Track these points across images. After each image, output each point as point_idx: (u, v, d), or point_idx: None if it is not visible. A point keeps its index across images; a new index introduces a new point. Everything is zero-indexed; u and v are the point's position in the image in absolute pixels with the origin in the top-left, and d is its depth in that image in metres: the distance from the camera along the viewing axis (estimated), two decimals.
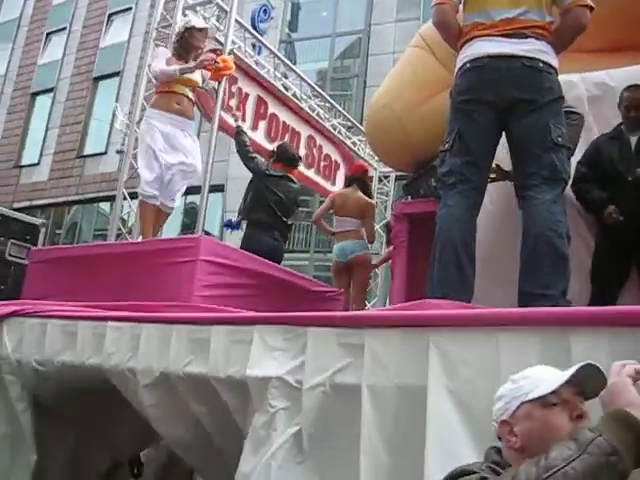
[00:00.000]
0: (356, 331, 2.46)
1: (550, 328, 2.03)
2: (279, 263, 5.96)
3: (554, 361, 1.99)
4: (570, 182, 3.32)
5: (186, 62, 5.47)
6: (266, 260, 4.82)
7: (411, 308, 2.54)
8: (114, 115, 18.95)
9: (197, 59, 5.47)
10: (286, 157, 6.32)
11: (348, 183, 7.00)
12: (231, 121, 6.88)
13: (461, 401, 2.11)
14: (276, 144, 7.08)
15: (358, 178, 6.92)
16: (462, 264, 2.97)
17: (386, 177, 11.23)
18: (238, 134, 6.17)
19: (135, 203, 7.21)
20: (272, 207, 5.91)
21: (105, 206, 20.93)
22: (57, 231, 21.73)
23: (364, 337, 2.42)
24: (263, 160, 6.14)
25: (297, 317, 2.77)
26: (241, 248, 5.79)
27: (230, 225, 6.69)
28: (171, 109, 5.36)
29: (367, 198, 6.87)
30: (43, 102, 24.21)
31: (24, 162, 23.73)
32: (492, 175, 3.65)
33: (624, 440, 1.25)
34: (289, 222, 6.14)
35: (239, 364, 2.78)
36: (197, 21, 5.95)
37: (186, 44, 5.52)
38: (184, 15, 7.16)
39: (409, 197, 5.87)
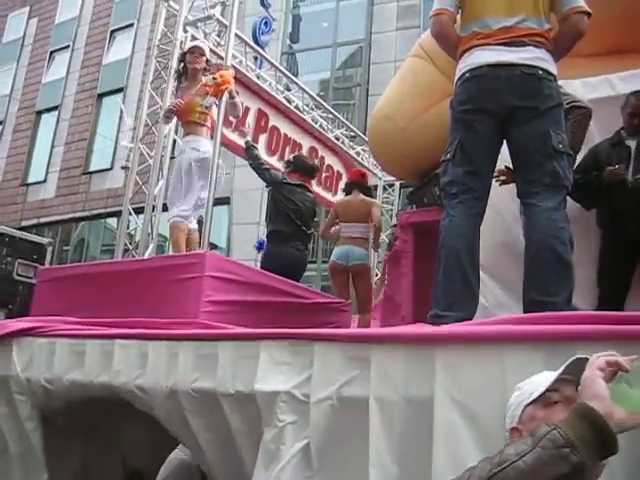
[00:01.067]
0: (362, 345, 2.46)
1: (554, 341, 2.03)
2: (302, 273, 6.01)
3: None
4: None
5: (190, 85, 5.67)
6: (272, 274, 4.83)
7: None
8: (119, 131, 19.09)
9: (194, 75, 5.66)
10: (304, 167, 6.38)
11: (348, 190, 6.88)
12: (233, 137, 6.92)
13: (468, 412, 2.11)
14: (292, 155, 7.12)
15: (358, 183, 6.85)
16: (466, 273, 2.97)
17: (391, 186, 11.25)
18: (249, 149, 6.21)
19: (140, 218, 7.25)
20: (291, 217, 5.95)
21: (112, 221, 21.02)
22: (65, 247, 21.82)
23: (370, 350, 2.42)
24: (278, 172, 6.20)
25: (303, 334, 2.78)
26: (263, 262, 5.86)
27: (261, 247, 6.73)
28: None
29: (370, 198, 6.79)
30: (48, 120, 24.39)
31: (30, 180, 23.90)
32: (502, 177, 3.67)
33: (583, 434, 1.23)
34: (309, 232, 6.18)
35: (247, 379, 2.79)
36: (187, 45, 6.20)
37: (185, 70, 5.75)
38: (184, 31, 7.22)
39: (413, 206, 5.88)
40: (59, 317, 4.23)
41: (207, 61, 5.77)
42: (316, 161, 9.58)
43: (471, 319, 2.90)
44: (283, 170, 6.55)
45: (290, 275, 5.10)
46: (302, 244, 6.10)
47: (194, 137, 5.46)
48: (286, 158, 7.07)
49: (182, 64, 5.78)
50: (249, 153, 6.13)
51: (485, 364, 2.13)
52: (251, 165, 6.12)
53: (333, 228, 6.89)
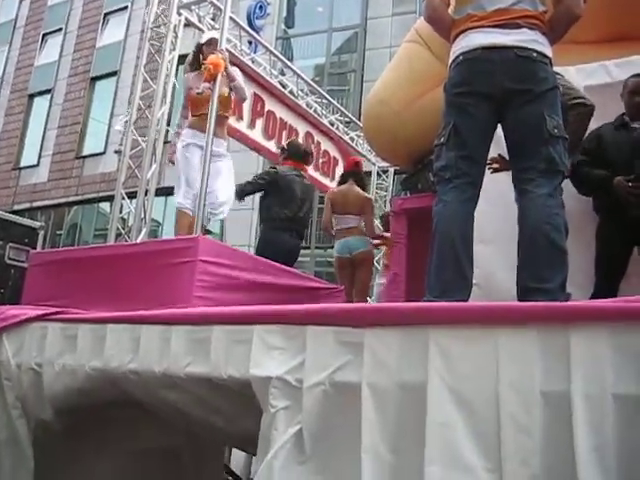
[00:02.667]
0: (355, 329, 2.45)
1: (549, 324, 2.03)
2: (295, 260, 6.03)
3: (554, 356, 2.00)
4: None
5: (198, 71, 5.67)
6: (265, 259, 4.82)
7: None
8: (112, 115, 19.00)
9: None
10: (298, 154, 6.38)
11: (344, 179, 6.87)
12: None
13: (461, 397, 2.12)
14: (286, 141, 7.10)
15: (353, 172, 6.84)
16: (460, 260, 2.95)
17: (385, 172, 11.24)
18: (240, 192, 6.14)
19: (133, 203, 7.23)
20: (286, 204, 5.98)
21: (105, 206, 20.93)
22: (58, 232, 21.76)
23: (363, 335, 2.42)
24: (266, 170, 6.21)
25: (295, 311, 2.77)
26: (259, 248, 5.87)
27: None
28: None
29: (365, 193, 6.81)
30: (41, 103, 24.24)
31: (23, 164, 23.77)
32: (494, 165, 3.64)
33: None
34: (303, 219, 6.21)
35: (240, 364, 2.78)
36: (204, 36, 6.08)
37: (198, 61, 5.71)
38: (179, 14, 7.18)
39: (407, 192, 5.87)
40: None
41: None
42: (312, 146, 9.56)
43: None
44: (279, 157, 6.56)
45: (284, 262, 5.10)
46: (297, 232, 6.14)
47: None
48: (282, 143, 7.02)
49: (198, 54, 5.75)
50: (240, 194, 6.11)
51: (478, 347, 2.13)
52: (245, 195, 6.14)
53: (330, 230, 6.85)
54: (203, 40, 5.81)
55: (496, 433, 2.02)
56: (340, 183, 6.88)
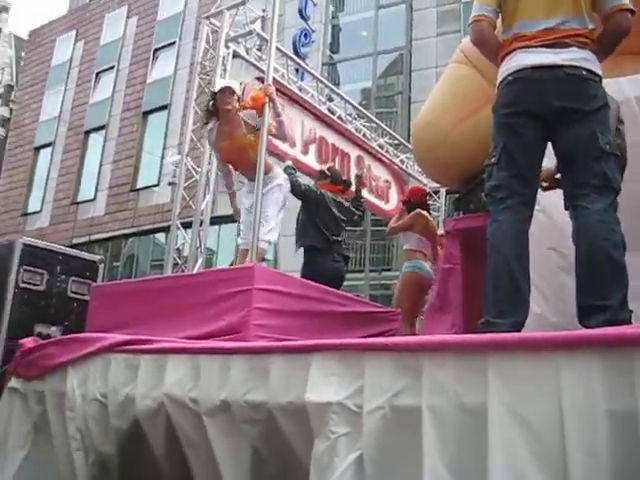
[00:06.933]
0: (413, 354, 2.46)
1: (611, 348, 2.00)
2: (342, 283, 6.04)
3: (617, 379, 1.97)
4: None
5: (218, 121, 5.60)
6: (320, 285, 4.84)
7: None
8: (164, 148, 19.38)
9: (229, 117, 5.52)
10: (339, 178, 6.47)
11: (413, 207, 6.66)
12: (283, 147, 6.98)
13: (523, 420, 2.09)
14: (325, 166, 7.14)
15: (423, 202, 6.76)
16: (516, 279, 2.93)
17: (436, 193, 11.17)
18: (290, 174, 6.11)
19: (188, 232, 7.36)
20: (327, 229, 6.04)
21: (160, 237, 21.33)
22: (115, 263, 22.19)
23: (421, 359, 2.42)
24: (309, 184, 6.23)
25: (354, 345, 2.78)
26: (303, 274, 5.90)
27: None
28: None
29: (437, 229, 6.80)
30: (96, 139, 24.91)
31: (81, 198, 24.40)
32: (544, 184, 3.61)
33: None
34: (342, 241, 6.24)
35: (298, 391, 2.80)
36: (218, 84, 6.09)
37: (216, 110, 5.58)
38: (226, 47, 7.31)
39: (460, 213, 5.82)
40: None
41: (239, 99, 5.60)
42: (364, 170, 9.61)
43: (522, 326, 2.87)
44: (315, 181, 6.60)
45: (331, 286, 5.11)
46: (339, 254, 6.18)
47: (266, 177, 5.50)
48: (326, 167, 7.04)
49: (212, 103, 5.59)
50: (290, 179, 6.04)
51: (539, 370, 2.11)
52: (296, 190, 6.08)
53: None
54: (217, 89, 5.67)
55: (560, 455, 1.99)
56: (408, 210, 6.73)
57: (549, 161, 3.34)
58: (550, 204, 3.76)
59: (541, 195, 3.36)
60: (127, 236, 22.42)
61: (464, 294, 4.95)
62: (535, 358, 2.14)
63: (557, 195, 3.50)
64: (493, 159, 3.16)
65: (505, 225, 3.05)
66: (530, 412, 2.08)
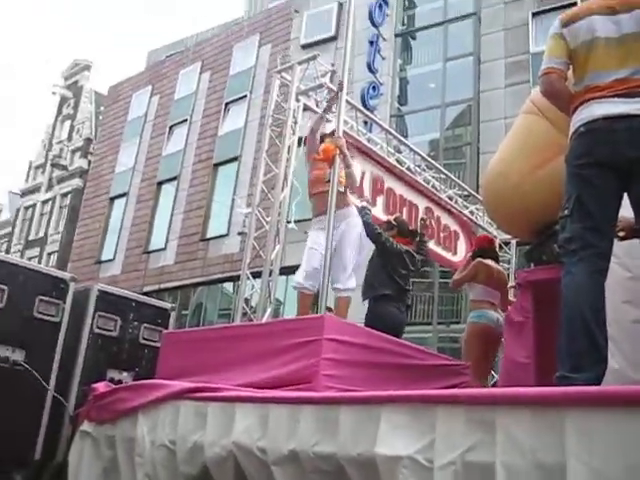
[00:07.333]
0: (486, 407, 2.40)
1: None
2: (402, 333, 5.99)
3: None
4: None
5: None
6: (390, 336, 4.81)
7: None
8: (234, 198, 19.74)
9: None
10: (406, 229, 6.52)
11: (478, 256, 6.63)
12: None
13: (604, 478, 2.02)
14: (392, 217, 7.14)
15: (488, 249, 6.72)
16: (592, 333, 2.85)
17: (507, 244, 11.03)
18: (365, 215, 6.16)
19: (256, 282, 7.43)
20: (398, 282, 6.07)
21: (228, 286, 21.60)
22: (184, 311, 22.49)
23: (495, 413, 2.36)
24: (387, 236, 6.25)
25: (425, 397, 2.74)
26: (368, 322, 5.88)
27: None
28: None
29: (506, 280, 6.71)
30: (168, 190, 25.59)
31: (152, 247, 24.99)
32: (621, 234, 3.54)
33: None
34: (408, 291, 6.27)
35: (368, 443, 2.77)
36: (327, 127, 6.46)
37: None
38: (297, 100, 7.47)
39: (532, 264, 5.72)
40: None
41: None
42: (433, 221, 9.58)
43: (600, 381, 2.78)
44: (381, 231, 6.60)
45: (394, 336, 5.08)
46: (403, 304, 6.19)
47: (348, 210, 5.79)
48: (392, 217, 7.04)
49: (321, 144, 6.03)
50: (366, 220, 6.08)
51: (619, 426, 2.03)
52: (369, 234, 6.05)
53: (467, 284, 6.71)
54: (327, 131, 6.21)
55: None
56: (474, 258, 6.67)
57: (629, 212, 3.29)
58: (627, 255, 3.66)
59: (617, 246, 3.28)
60: (196, 285, 22.78)
61: (537, 347, 4.83)
62: (614, 414, 2.06)
63: (634, 245, 3.44)
64: (567, 211, 3.12)
65: (579, 277, 2.98)
66: (612, 471, 2.00)
